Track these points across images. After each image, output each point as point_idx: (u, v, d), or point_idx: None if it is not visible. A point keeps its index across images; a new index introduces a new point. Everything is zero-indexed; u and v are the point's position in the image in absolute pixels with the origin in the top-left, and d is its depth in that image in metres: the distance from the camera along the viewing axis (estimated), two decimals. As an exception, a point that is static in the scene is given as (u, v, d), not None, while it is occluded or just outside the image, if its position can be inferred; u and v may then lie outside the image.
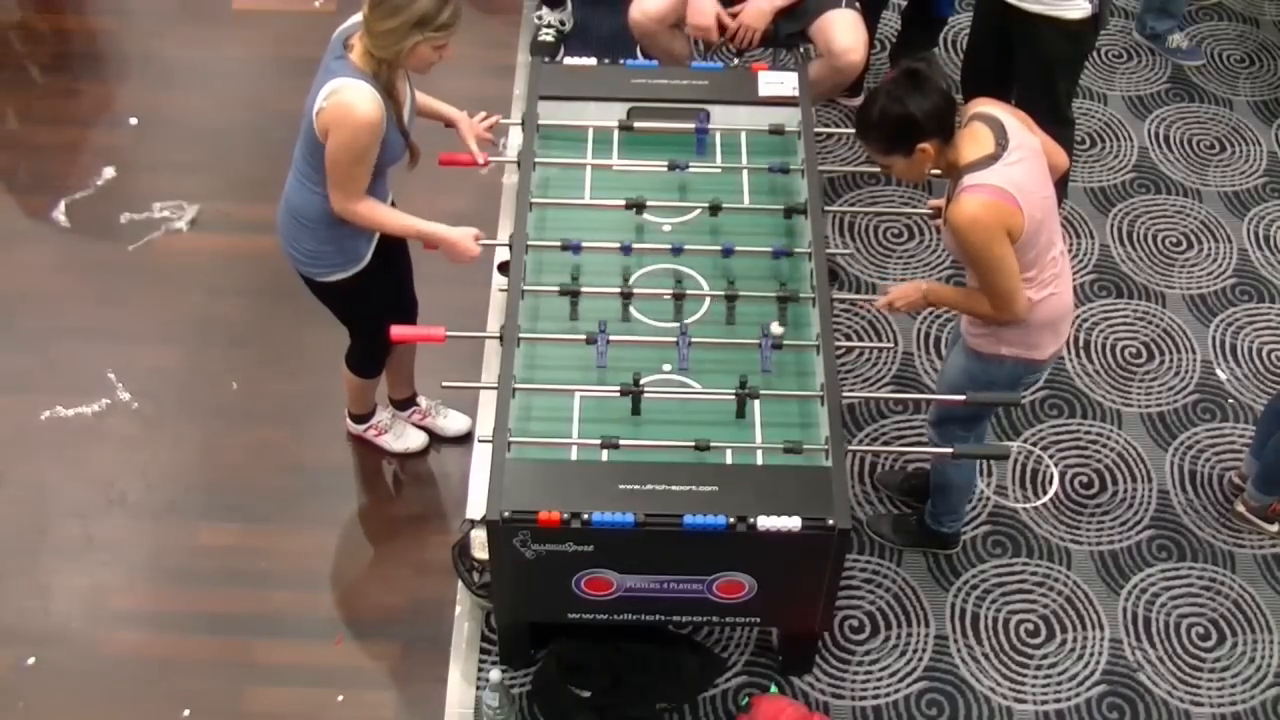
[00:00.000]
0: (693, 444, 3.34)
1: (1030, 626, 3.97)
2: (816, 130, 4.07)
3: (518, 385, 3.45)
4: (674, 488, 3.24)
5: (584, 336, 3.54)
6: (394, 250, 3.80)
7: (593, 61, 4.21)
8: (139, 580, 4.05)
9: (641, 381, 3.46)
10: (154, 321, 4.65)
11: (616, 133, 4.07)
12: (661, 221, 3.90)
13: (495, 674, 3.53)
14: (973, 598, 4.02)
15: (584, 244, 3.72)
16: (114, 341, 4.57)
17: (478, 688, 3.78)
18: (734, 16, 4.50)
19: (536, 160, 3.94)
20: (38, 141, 5.20)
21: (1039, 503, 4.24)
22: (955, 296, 3.59)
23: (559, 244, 3.73)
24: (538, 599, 3.48)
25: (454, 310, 4.03)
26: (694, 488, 3.24)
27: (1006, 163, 3.23)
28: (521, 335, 3.54)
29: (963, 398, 3.52)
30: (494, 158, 3.95)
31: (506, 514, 3.20)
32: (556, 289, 3.64)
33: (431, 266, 3.98)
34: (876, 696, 3.82)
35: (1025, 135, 3.34)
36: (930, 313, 4.64)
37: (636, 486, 3.24)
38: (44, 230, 4.91)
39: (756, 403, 3.47)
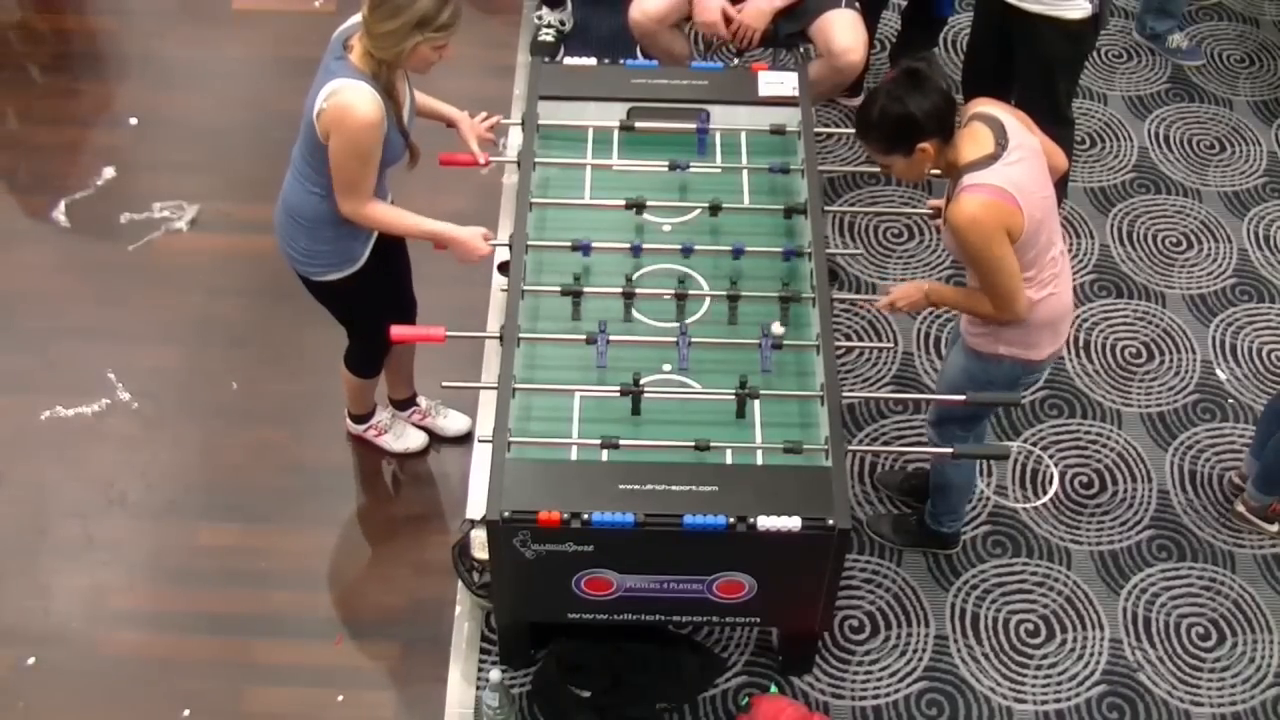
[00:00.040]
0: (693, 444, 3.34)
1: (1030, 626, 3.97)
2: (816, 130, 4.07)
3: (518, 385, 3.45)
4: (674, 488, 3.24)
5: (584, 336, 3.54)
6: (392, 250, 3.80)
7: (593, 61, 4.21)
8: (139, 580, 4.05)
9: (641, 381, 3.46)
10: (154, 321, 4.65)
11: (616, 133, 4.07)
12: (661, 221, 3.90)
13: (495, 674, 3.53)
14: (973, 598, 4.02)
15: (588, 244, 3.72)
16: (114, 341, 4.57)
17: (478, 688, 3.78)
18: (737, 13, 4.50)
19: (536, 160, 3.94)
20: (38, 141, 5.20)
21: (1039, 503, 4.24)
22: (956, 296, 3.59)
23: (568, 244, 3.72)
24: (538, 599, 3.48)
25: (454, 310, 4.03)
26: (694, 488, 3.24)
27: (1006, 162, 3.23)
28: (521, 335, 3.54)
29: (963, 398, 3.52)
30: (494, 158, 3.95)
31: (506, 514, 3.20)
32: (558, 289, 3.64)
33: (431, 266, 3.98)
34: (876, 696, 3.82)
35: (1025, 135, 3.34)
36: (930, 313, 4.64)
37: (636, 486, 3.24)
38: (44, 230, 4.91)
39: (756, 403, 3.47)
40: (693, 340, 3.56)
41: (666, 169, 3.95)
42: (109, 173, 5.06)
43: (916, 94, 3.19)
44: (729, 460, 3.38)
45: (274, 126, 4.83)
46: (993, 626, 3.96)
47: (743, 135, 4.10)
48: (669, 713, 3.73)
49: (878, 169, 3.80)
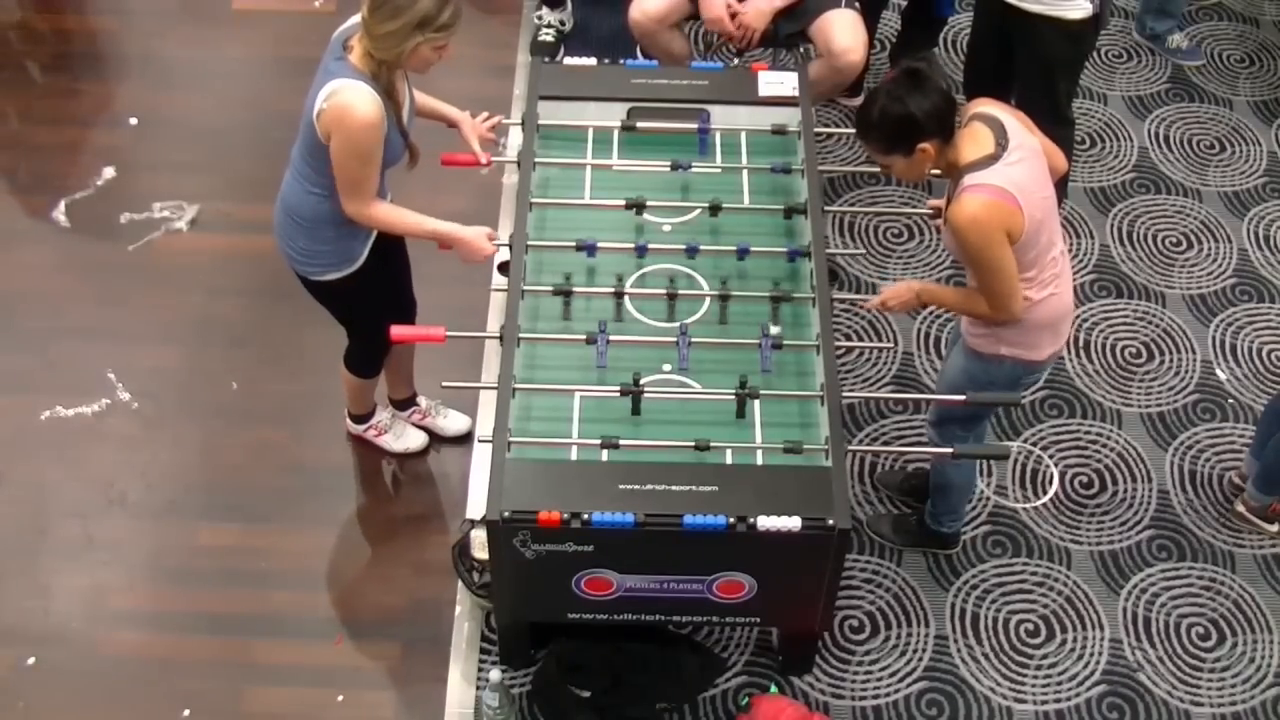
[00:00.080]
0: (693, 444, 3.34)
1: (1030, 626, 3.97)
2: (816, 130, 4.07)
3: (518, 385, 3.45)
4: (674, 488, 3.24)
5: (584, 336, 3.54)
6: (392, 250, 3.80)
7: (593, 61, 4.21)
8: (139, 580, 4.05)
9: (641, 381, 3.46)
10: (154, 321, 4.65)
11: (616, 133, 4.07)
12: (661, 221, 3.90)
13: (495, 674, 3.53)
14: (973, 598, 4.02)
15: (590, 244, 3.72)
16: (114, 341, 4.57)
17: (478, 688, 3.78)
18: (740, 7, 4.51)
19: (536, 160, 3.94)
20: (38, 141, 5.20)
21: (1039, 503, 4.24)
22: (950, 296, 3.60)
23: (568, 244, 3.72)
24: (538, 599, 3.48)
25: (454, 310, 4.03)
26: (694, 488, 3.24)
27: (1007, 163, 3.23)
28: (521, 335, 3.54)
29: (963, 398, 3.52)
30: (495, 158, 3.95)
31: (506, 514, 3.20)
32: (554, 289, 3.64)
33: (431, 267, 3.98)
34: (876, 696, 3.82)
35: (1025, 135, 3.34)
36: (930, 313, 4.64)
37: (636, 486, 3.24)
38: (44, 230, 4.91)
39: (756, 403, 3.47)
40: (693, 340, 3.56)
41: (669, 169, 3.95)
42: (109, 173, 5.06)
43: (917, 94, 3.19)
44: (729, 460, 3.37)
45: (274, 126, 4.83)
46: (993, 626, 3.96)
47: (743, 135, 4.10)
48: (669, 713, 3.73)
49: (878, 169, 3.80)
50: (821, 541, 3.23)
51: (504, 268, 3.77)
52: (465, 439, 4.34)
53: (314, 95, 3.38)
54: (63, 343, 4.57)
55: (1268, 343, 4.64)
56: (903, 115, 3.20)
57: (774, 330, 3.61)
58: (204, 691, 3.81)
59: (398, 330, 3.60)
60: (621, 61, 4.23)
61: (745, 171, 4.01)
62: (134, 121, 5.26)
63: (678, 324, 3.62)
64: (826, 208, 4.24)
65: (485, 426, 3.73)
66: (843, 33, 4.48)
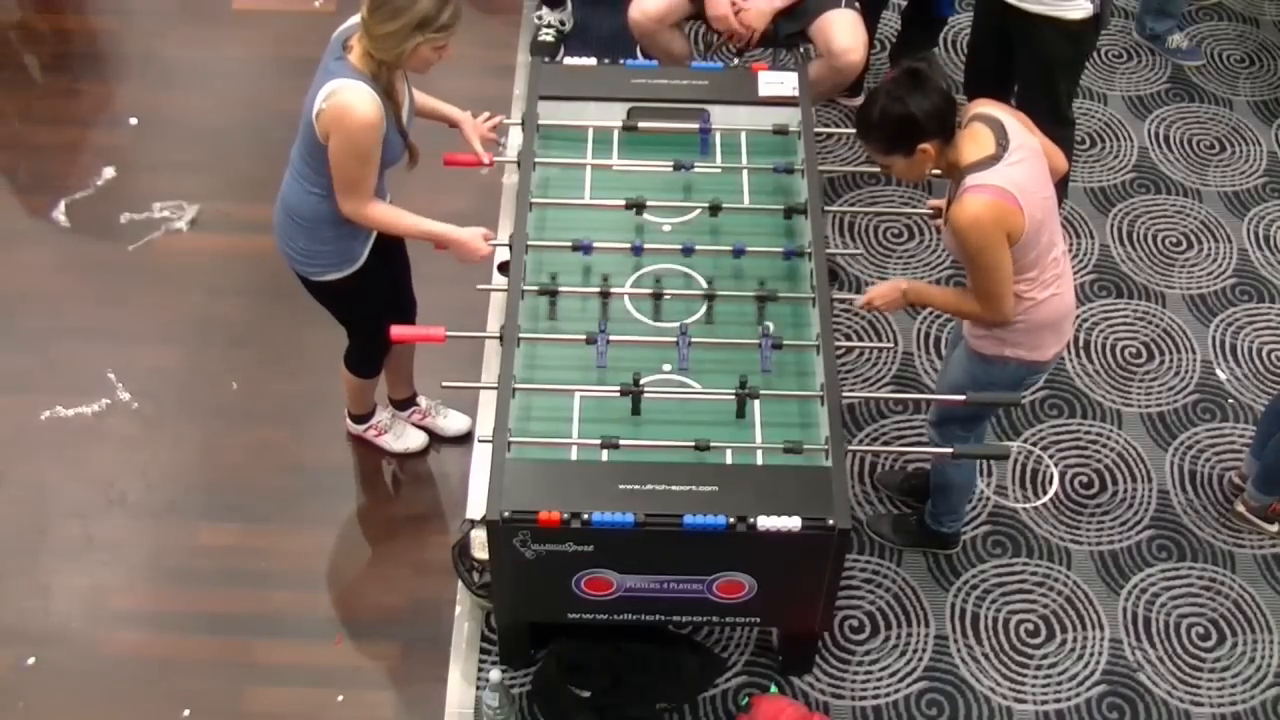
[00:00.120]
0: (693, 444, 3.34)
1: (1030, 626, 3.97)
2: (816, 130, 4.07)
3: (518, 385, 3.45)
4: (674, 488, 3.24)
5: (584, 336, 3.54)
6: (391, 250, 3.80)
7: (593, 61, 4.21)
8: (139, 580, 4.05)
9: (641, 381, 3.46)
10: (154, 321, 4.65)
11: (616, 133, 4.07)
12: (661, 221, 3.90)
13: (495, 674, 3.53)
14: (973, 598, 4.02)
15: (590, 244, 3.72)
16: (114, 341, 4.57)
17: (478, 688, 3.78)
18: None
19: (536, 160, 3.94)
20: (38, 141, 5.20)
21: (1039, 503, 4.24)
22: (938, 296, 3.60)
23: (568, 244, 3.72)
24: (538, 599, 3.48)
25: (454, 310, 4.03)
26: (694, 488, 3.24)
27: (1008, 163, 3.23)
28: (521, 335, 3.54)
29: (963, 398, 3.52)
30: (496, 158, 3.95)
31: (506, 514, 3.20)
32: (554, 289, 3.64)
33: (431, 267, 3.98)
34: (876, 696, 3.82)
35: (1025, 136, 3.34)
36: (930, 313, 4.64)
37: (636, 486, 3.24)
38: (44, 230, 4.91)
39: (756, 403, 3.47)
40: (693, 340, 3.56)
41: (671, 169, 3.95)
42: (109, 173, 5.06)
43: (917, 94, 3.19)
44: (729, 460, 3.37)
45: (274, 126, 4.83)
46: (993, 626, 3.96)
47: (743, 135, 4.10)
48: (669, 713, 3.73)
49: (878, 169, 3.80)
50: (821, 541, 3.23)
51: (504, 268, 3.77)
52: (465, 439, 4.34)
53: (313, 95, 3.38)
54: (63, 343, 4.57)
55: (1268, 343, 4.64)
56: (903, 115, 3.20)
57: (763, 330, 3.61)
58: (204, 691, 3.81)
59: (398, 330, 3.60)
60: (621, 61, 4.23)
61: (745, 171, 4.01)
62: (134, 121, 5.26)
63: (677, 324, 3.62)
64: (826, 208, 4.24)
65: (485, 426, 3.73)
66: (843, 33, 4.48)
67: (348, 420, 4.31)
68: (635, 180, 3.94)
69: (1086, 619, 3.98)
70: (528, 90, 4.13)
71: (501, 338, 3.53)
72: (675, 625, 3.74)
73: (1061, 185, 4.14)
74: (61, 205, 4.96)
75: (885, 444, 4.35)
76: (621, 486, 3.24)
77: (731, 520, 3.18)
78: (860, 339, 4.59)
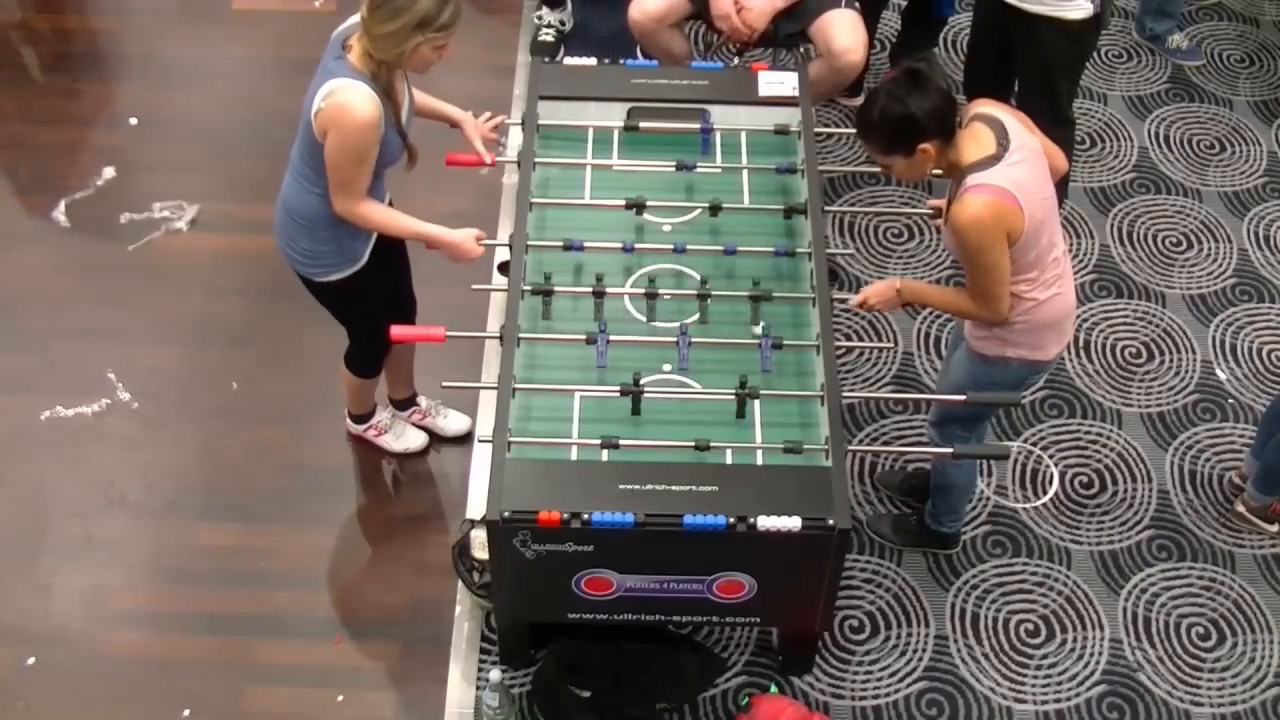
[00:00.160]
0: (693, 444, 3.34)
1: (1030, 626, 3.97)
2: (816, 130, 4.07)
3: (518, 385, 3.45)
4: (674, 488, 3.24)
5: (584, 336, 3.54)
6: (392, 250, 3.80)
7: (593, 61, 4.21)
8: (139, 580, 4.05)
9: (641, 381, 3.46)
10: (154, 321, 4.65)
11: (616, 133, 4.07)
12: (662, 221, 3.90)
13: (495, 674, 3.53)
14: (973, 598, 4.02)
15: (585, 243, 3.73)
16: (114, 341, 4.57)
17: (478, 688, 3.78)
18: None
19: (536, 160, 3.94)
20: (38, 141, 5.20)
21: (1039, 503, 4.24)
22: (933, 295, 3.60)
23: (560, 244, 3.73)
24: (538, 599, 3.48)
25: (454, 310, 4.03)
26: (694, 488, 3.24)
27: (1008, 163, 3.23)
28: (521, 335, 3.54)
29: (963, 398, 3.52)
30: (497, 158, 3.95)
31: (506, 514, 3.20)
32: (550, 289, 3.64)
33: (431, 267, 3.98)
34: (876, 696, 3.82)
35: (1026, 136, 3.34)
36: (930, 313, 4.64)
37: (636, 486, 3.24)
38: (44, 230, 4.91)
39: (756, 403, 3.47)
40: (693, 340, 3.56)
41: (674, 169, 3.95)
42: (109, 173, 5.06)
43: (917, 94, 3.19)
44: (729, 460, 3.37)
45: (274, 126, 4.83)
46: (993, 626, 3.96)
47: (743, 135, 4.10)
48: (669, 713, 3.73)
49: (878, 169, 3.80)
50: (821, 541, 3.23)
51: (504, 268, 3.77)
52: (465, 439, 4.34)
53: (312, 94, 3.38)
54: (63, 343, 4.57)
55: (1268, 343, 4.64)
56: (903, 115, 3.20)
57: (757, 329, 3.60)
58: (204, 691, 3.81)
59: (398, 330, 3.60)
60: (621, 61, 4.23)
61: (745, 171, 4.01)
62: (134, 121, 5.26)
63: (677, 324, 3.62)
64: (826, 208, 4.24)
65: (485, 426, 3.73)
66: (843, 33, 4.48)
67: (348, 420, 4.31)
68: (635, 180, 3.94)
69: (1086, 619, 3.98)
70: (528, 90, 4.13)
71: (501, 338, 3.53)
72: (675, 625, 3.74)
73: (1062, 185, 4.14)
74: (61, 205, 4.96)
75: (885, 444, 4.35)
76: (621, 486, 3.24)
77: (731, 520, 3.18)
78: (860, 339, 4.59)
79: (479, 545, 3.73)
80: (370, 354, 4.02)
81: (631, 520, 3.18)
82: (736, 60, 4.92)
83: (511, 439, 3.33)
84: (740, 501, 3.21)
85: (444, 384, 3.71)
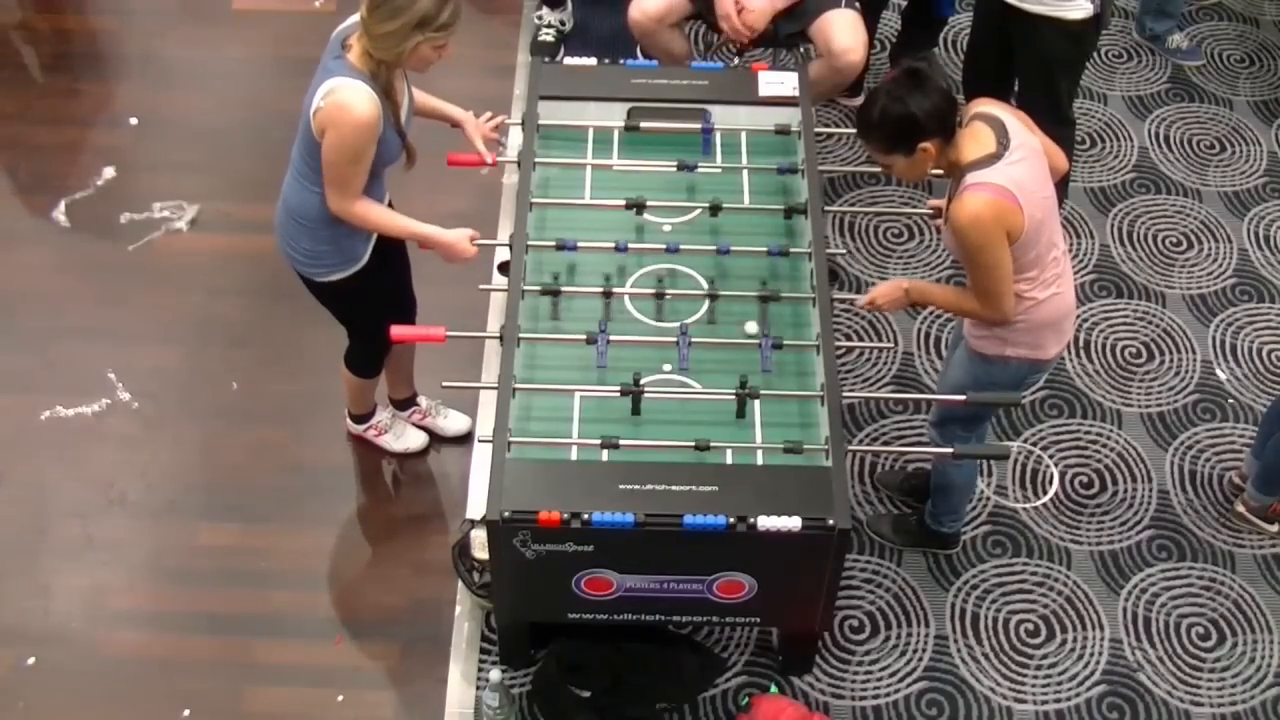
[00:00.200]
0: (693, 444, 3.34)
1: (1030, 626, 3.97)
2: (816, 130, 4.07)
3: (518, 385, 3.45)
4: (674, 488, 3.24)
5: (584, 336, 3.54)
6: (392, 250, 3.80)
7: (593, 61, 4.21)
8: (139, 580, 4.05)
9: (641, 381, 3.46)
10: (154, 321, 4.65)
11: (617, 133, 4.07)
12: (662, 221, 3.90)
13: (495, 674, 3.53)
14: (973, 598, 4.02)
15: (582, 243, 3.73)
16: (114, 341, 4.57)
17: (478, 688, 3.78)
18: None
19: (536, 160, 3.94)
20: (38, 141, 5.20)
21: (1039, 503, 4.23)
22: (940, 294, 3.60)
23: (574, 244, 3.72)
24: (538, 599, 3.48)
25: (454, 310, 4.03)
26: (694, 488, 3.24)
27: (1009, 162, 3.24)
28: (521, 335, 3.54)
29: (963, 398, 3.52)
30: (498, 158, 3.95)
31: (506, 514, 3.20)
32: (550, 289, 3.64)
33: (431, 267, 3.98)
34: (876, 696, 3.82)
35: (1026, 135, 3.34)
36: (930, 313, 4.64)
37: (636, 486, 3.24)
38: (44, 230, 4.91)
39: (756, 403, 3.47)
40: (693, 340, 3.56)
41: (674, 169, 3.95)
42: (109, 173, 5.06)
43: (917, 94, 3.19)
44: (729, 460, 3.37)
45: (274, 126, 4.83)
46: (993, 626, 3.96)
47: (743, 135, 4.10)
48: (669, 713, 3.73)
49: (878, 169, 3.80)
50: (821, 541, 3.23)
51: (504, 267, 3.77)
52: (465, 439, 4.34)
53: (312, 93, 3.38)
54: (63, 343, 4.57)
55: (1268, 343, 4.64)
56: (903, 115, 3.20)
57: (750, 329, 3.60)
58: (204, 691, 3.81)
59: (398, 330, 3.60)
60: (621, 61, 4.23)
61: (745, 171, 4.01)
62: (134, 121, 5.26)
63: (677, 324, 3.62)
64: (826, 208, 4.24)
65: (485, 426, 3.73)
66: (843, 33, 4.48)
67: (348, 420, 4.31)
68: (635, 180, 3.94)
69: (1086, 619, 3.98)
70: (528, 90, 4.13)
71: (501, 338, 3.53)
72: (675, 625, 3.74)
73: (1062, 185, 4.14)
74: (61, 205, 4.96)
75: (885, 444, 4.35)
76: (621, 486, 3.24)
77: (731, 520, 3.18)
78: (860, 339, 4.59)
79: (479, 545, 3.73)
80: (370, 354, 4.02)
81: (631, 520, 3.18)
82: (736, 60, 4.92)
83: (511, 439, 3.33)
84: (740, 501, 3.21)
85: (444, 384, 3.70)
